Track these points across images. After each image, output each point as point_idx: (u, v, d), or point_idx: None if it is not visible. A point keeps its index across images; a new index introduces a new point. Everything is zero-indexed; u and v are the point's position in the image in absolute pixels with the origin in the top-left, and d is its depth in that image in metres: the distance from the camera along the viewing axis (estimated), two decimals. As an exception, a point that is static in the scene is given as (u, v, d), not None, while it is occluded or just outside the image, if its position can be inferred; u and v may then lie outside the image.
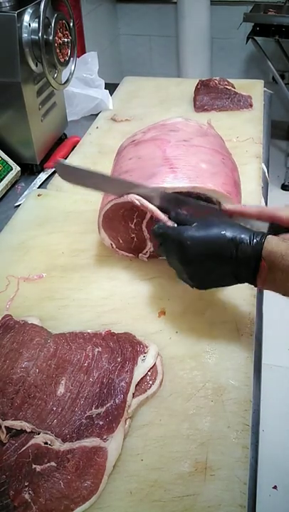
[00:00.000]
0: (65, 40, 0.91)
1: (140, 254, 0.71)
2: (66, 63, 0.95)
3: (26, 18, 0.83)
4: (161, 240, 0.59)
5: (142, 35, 2.63)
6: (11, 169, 0.95)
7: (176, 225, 0.58)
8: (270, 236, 0.52)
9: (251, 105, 1.18)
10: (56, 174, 0.97)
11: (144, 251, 0.71)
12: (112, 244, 0.71)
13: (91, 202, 0.86)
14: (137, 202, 0.60)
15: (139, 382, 0.54)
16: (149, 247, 0.70)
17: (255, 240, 0.52)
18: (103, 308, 0.66)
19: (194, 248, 0.54)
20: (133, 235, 0.68)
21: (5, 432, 0.49)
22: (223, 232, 0.53)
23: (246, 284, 0.67)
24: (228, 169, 0.66)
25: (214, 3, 2.29)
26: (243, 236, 0.52)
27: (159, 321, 0.63)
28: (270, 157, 1.07)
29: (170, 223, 0.59)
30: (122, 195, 0.62)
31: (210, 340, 0.60)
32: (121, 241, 0.70)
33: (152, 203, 0.60)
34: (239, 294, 0.66)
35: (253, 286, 0.54)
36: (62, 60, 0.92)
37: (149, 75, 1.65)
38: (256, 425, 0.53)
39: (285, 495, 1.25)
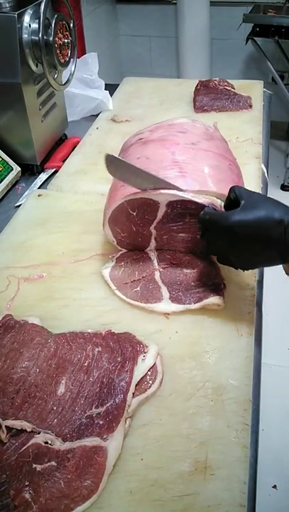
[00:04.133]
0: (66, 40, 0.92)
1: (146, 251, 0.71)
2: (66, 64, 0.95)
3: (26, 18, 0.83)
4: (207, 225, 0.58)
5: (142, 35, 2.64)
6: (12, 169, 0.95)
7: (223, 210, 0.58)
8: None
9: (251, 106, 1.18)
10: (56, 174, 0.97)
11: (148, 248, 0.71)
12: (114, 241, 0.71)
13: (91, 202, 0.86)
14: (187, 196, 0.60)
15: (139, 382, 0.54)
16: (153, 245, 0.70)
17: None
18: (103, 308, 0.66)
19: (242, 232, 0.53)
20: (138, 234, 0.68)
21: (5, 431, 0.49)
22: (271, 215, 0.52)
23: (246, 284, 0.67)
24: (234, 175, 0.66)
25: (214, 3, 2.29)
26: None
27: (159, 321, 0.63)
28: (270, 158, 1.07)
29: (217, 208, 0.59)
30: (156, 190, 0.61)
31: (210, 340, 0.60)
32: (124, 239, 0.70)
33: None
34: (239, 294, 0.66)
35: None
36: (62, 60, 0.92)
37: (148, 75, 1.65)
38: (256, 425, 0.53)
39: (284, 494, 1.25)
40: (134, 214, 0.65)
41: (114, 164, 0.60)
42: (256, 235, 0.53)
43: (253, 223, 0.53)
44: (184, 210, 0.63)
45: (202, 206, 0.60)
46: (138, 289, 0.66)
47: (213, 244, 0.60)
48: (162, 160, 0.64)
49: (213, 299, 0.63)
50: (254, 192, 0.58)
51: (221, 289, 0.64)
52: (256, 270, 0.70)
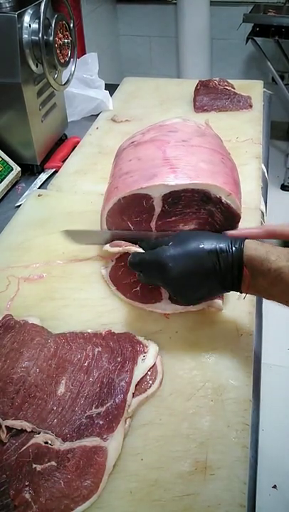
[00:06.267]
0: (66, 40, 0.92)
1: None
2: (66, 64, 0.95)
3: (26, 18, 0.83)
4: (140, 268, 0.57)
5: (142, 35, 2.64)
6: (12, 169, 0.95)
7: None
8: (247, 241, 0.52)
9: (251, 106, 1.18)
10: (56, 174, 0.97)
11: None
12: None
13: (91, 202, 0.86)
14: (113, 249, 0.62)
15: (139, 382, 0.54)
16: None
17: (234, 248, 0.51)
18: (103, 308, 0.66)
19: (177, 268, 0.52)
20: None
21: (5, 431, 0.49)
22: (201, 246, 0.52)
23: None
24: (228, 169, 0.66)
25: (214, 3, 2.29)
26: (221, 245, 0.52)
27: (159, 321, 0.63)
28: (270, 157, 1.07)
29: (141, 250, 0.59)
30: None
31: (210, 340, 0.60)
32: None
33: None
34: (239, 294, 0.66)
35: (238, 293, 0.54)
36: (62, 60, 0.92)
37: (148, 75, 1.66)
38: (256, 425, 0.53)
39: (284, 494, 1.25)
40: (131, 213, 0.65)
41: (75, 235, 0.66)
42: (190, 268, 0.52)
43: (184, 257, 0.52)
44: (179, 200, 0.63)
45: (198, 191, 0.60)
46: (138, 289, 0.66)
47: (152, 283, 0.59)
48: (153, 159, 0.64)
49: (213, 302, 0.63)
50: (183, 231, 0.58)
51: None
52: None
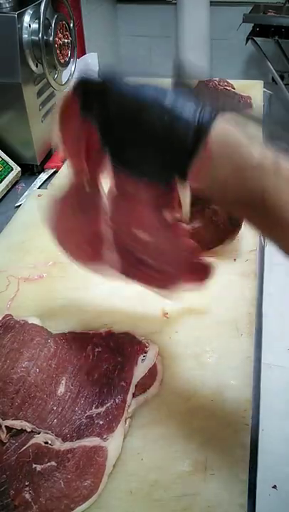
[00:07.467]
0: (66, 41, 0.92)
1: None
2: (66, 64, 0.95)
3: (26, 18, 0.83)
4: (80, 90, 0.44)
5: (142, 35, 2.64)
6: (12, 169, 0.95)
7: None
8: (224, 118, 0.37)
9: (251, 106, 1.18)
10: (56, 174, 0.97)
11: None
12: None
13: (91, 202, 0.86)
14: None
15: (139, 382, 0.54)
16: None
17: (205, 117, 0.37)
18: (103, 308, 0.66)
19: (119, 100, 0.40)
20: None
21: (5, 431, 0.49)
22: (160, 97, 0.40)
23: (246, 282, 0.67)
24: None
25: (214, 3, 2.30)
26: (186, 105, 0.39)
27: (159, 321, 0.63)
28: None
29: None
30: None
31: (210, 340, 0.60)
32: None
33: None
34: (239, 294, 0.66)
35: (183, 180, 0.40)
36: (62, 60, 0.92)
37: (148, 75, 1.65)
38: (256, 425, 0.53)
39: (284, 494, 1.25)
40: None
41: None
42: (133, 111, 0.39)
43: (132, 97, 0.40)
44: None
45: None
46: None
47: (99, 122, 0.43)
48: None
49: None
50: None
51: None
52: (256, 269, 0.70)
